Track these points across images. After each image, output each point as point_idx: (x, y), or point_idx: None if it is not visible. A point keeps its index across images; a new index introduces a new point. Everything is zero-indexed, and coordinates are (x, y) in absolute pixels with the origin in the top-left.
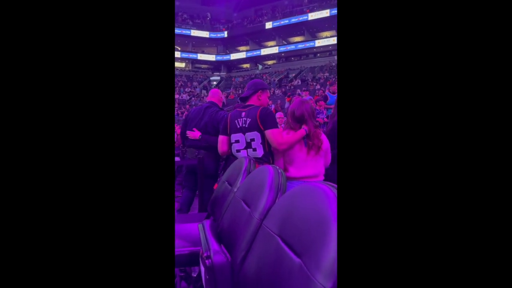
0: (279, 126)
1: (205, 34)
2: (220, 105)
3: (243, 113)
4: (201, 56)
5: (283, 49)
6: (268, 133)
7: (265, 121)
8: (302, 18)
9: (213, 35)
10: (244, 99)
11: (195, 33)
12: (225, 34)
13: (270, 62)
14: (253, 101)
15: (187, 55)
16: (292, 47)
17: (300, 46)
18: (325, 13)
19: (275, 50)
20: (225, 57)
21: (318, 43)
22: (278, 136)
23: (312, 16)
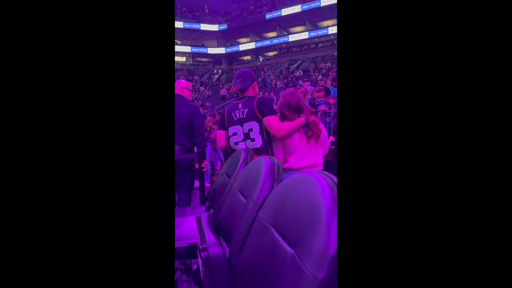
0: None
1: (178, 24)
2: (186, 93)
3: (240, 105)
4: (178, 48)
5: (259, 44)
6: (266, 120)
7: (262, 109)
8: (303, 8)
9: (188, 25)
10: (243, 91)
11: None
12: (200, 26)
13: (271, 54)
14: (249, 92)
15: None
16: (267, 42)
17: (275, 41)
18: (296, 8)
19: (252, 45)
20: (202, 50)
21: (292, 37)
22: (276, 122)
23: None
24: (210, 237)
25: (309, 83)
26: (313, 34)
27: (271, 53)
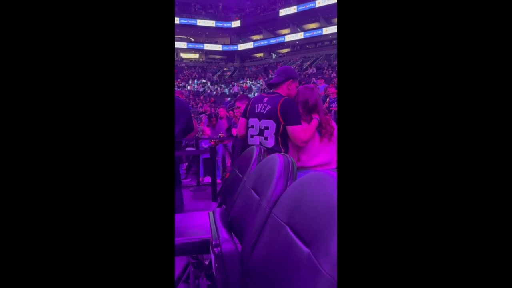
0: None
1: (175, 20)
2: None
3: (265, 99)
4: (178, 44)
5: (257, 44)
6: (291, 129)
7: (286, 115)
8: (298, 9)
9: (184, 21)
10: (273, 85)
11: (200, 22)
12: (197, 22)
13: (284, 51)
14: (281, 89)
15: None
16: (265, 42)
17: (272, 41)
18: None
19: (250, 45)
20: (198, 46)
21: (287, 38)
22: (302, 133)
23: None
24: (223, 233)
25: (323, 80)
26: (308, 34)
27: (284, 50)
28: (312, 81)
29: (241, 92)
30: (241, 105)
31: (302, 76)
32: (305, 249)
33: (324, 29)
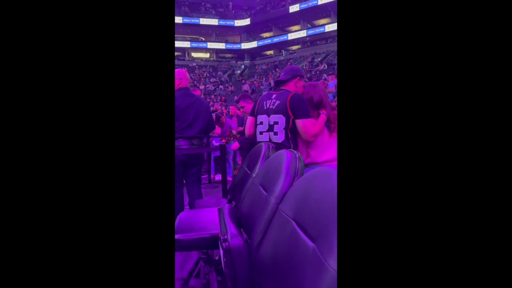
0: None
1: (178, 20)
2: (183, 83)
3: (274, 95)
4: (181, 44)
5: (261, 43)
6: (300, 123)
7: (296, 109)
8: (301, 7)
9: (187, 20)
10: (281, 82)
11: (203, 21)
12: (200, 20)
13: (294, 47)
14: (289, 87)
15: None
16: (268, 41)
17: (276, 39)
18: None
19: (254, 44)
20: (201, 44)
21: (290, 36)
22: (311, 127)
23: None
24: (231, 228)
25: (334, 76)
26: (311, 32)
27: (294, 47)
28: (323, 78)
29: (251, 91)
30: (245, 104)
31: (313, 73)
32: (310, 243)
33: (326, 26)
